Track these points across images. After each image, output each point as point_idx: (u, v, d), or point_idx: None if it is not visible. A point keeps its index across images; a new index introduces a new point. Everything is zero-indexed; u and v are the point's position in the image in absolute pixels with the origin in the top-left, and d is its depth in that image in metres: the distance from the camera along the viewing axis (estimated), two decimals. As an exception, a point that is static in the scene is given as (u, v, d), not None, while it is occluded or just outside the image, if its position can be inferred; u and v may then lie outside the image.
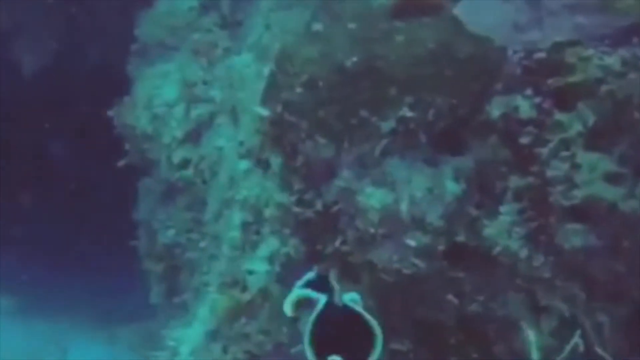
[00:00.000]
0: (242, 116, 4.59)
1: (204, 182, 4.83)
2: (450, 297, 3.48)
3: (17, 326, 7.05)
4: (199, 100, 5.03)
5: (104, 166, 6.05)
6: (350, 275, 3.64)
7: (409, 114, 3.24)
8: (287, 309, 2.76)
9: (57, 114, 6.62)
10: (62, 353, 6.60)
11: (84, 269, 7.80)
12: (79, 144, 6.90)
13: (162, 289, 5.61)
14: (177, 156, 5.00)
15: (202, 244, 4.75)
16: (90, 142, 6.58)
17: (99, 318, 7.04)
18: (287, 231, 3.63)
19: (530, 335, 2.96)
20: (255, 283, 3.80)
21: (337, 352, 2.62)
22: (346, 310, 2.70)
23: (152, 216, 5.50)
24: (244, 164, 4.45)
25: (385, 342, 3.65)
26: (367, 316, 2.71)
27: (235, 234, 4.20)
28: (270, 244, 3.70)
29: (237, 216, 4.27)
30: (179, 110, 5.07)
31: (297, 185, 3.52)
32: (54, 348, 6.64)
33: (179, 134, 4.99)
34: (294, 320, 3.02)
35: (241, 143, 4.56)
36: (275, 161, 3.56)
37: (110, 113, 5.69)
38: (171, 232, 5.28)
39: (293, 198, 3.54)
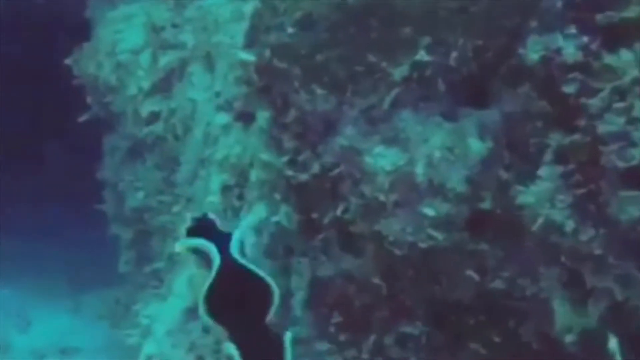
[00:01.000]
0: (219, 63, 4.01)
1: (176, 138, 4.25)
2: (470, 272, 2.95)
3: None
4: (168, 46, 4.43)
5: (63, 122, 5.46)
6: (352, 247, 3.09)
7: (425, 58, 2.66)
8: (178, 248, 2.75)
9: (7, 66, 5.97)
10: (26, 324, 6.04)
11: (45, 233, 7.21)
12: (35, 99, 6.25)
13: (132, 256, 5.04)
14: (145, 109, 4.40)
15: (176, 208, 4.19)
16: (47, 96, 5.95)
17: (63, 285, 6.46)
18: (277, 197, 3.07)
19: (613, 343, 2.41)
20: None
21: (232, 312, 2.53)
22: (240, 268, 2.60)
23: (118, 176, 4.92)
24: (222, 118, 3.87)
25: (394, 323, 3.12)
26: (261, 273, 2.60)
27: (214, 198, 3.64)
28: (257, 212, 3.14)
29: (216, 179, 3.71)
30: (145, 57, 4.47)
31: (289, 144, 2.95)
32: (16, 319, 6.07)
33: (146, 84, 4.39)
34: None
35: (218, 94, 3.98)
36: (263, 115, 2.99)
37: (68, 61, 5.09)
38: (140, 194, 4.71)
39: (284, 159, 2.97)
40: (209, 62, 4.06)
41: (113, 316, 5.85)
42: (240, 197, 3.56)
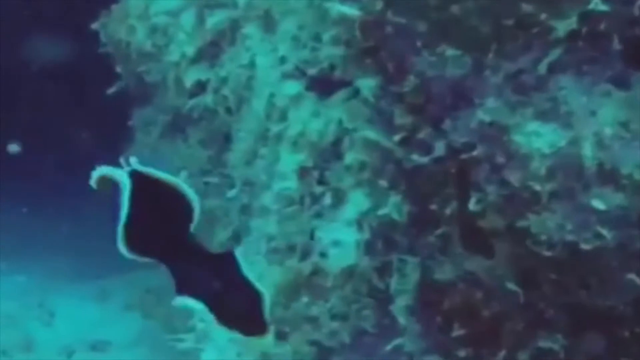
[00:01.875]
0: (284, 22, 3.36)
1: (228, 111, 3.60)
2: (631, 276, 2.34)
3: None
4: (215, 4, 3.76)
5: (89, 94, 4.80)
6: (480, 245, 2.47)
7: (601, 7, 2.03)
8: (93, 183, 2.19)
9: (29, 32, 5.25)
10: (49, 316, 5.40)
11: (64, 212, 6.57)
12: (59, 69, 5.57)
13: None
14: (189, 79, 3.76)
15: (231, 193, 3.54)
16: (72, 66, 5.27)
17: (86, 271, 5.81)
18: (383, 184, 2.43)
19: None
20: (337, 259, 2.60)
21: (153, 234, 2.16)
22: (151, 179, 2.18)
23: (155, 154, 4.29)
24: (291, 87, 3.23)
25: (530, 336, 2.52)
26: (177, 183, 2.19)
27: (290, 183, 3.00)
28: (355, 202, 2.50)
29: (289, 159, 3.07)
30: (187, 19, 3.81)
31: (403, 119, 2.31)
32: (37, 311, 5.43)
33: (190, 50, 3.74)
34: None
35: (283, 59, 3.34)
36: (366, 83, 2.34)
37: (94, 26, 4.43)
38: (182, 175, 4.07)
39: (396, 137, 2.33)
40: (268, 22, 3.42)
41: (144, 306, 5.23)
42: (322, 181, 2.93)
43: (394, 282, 2.63)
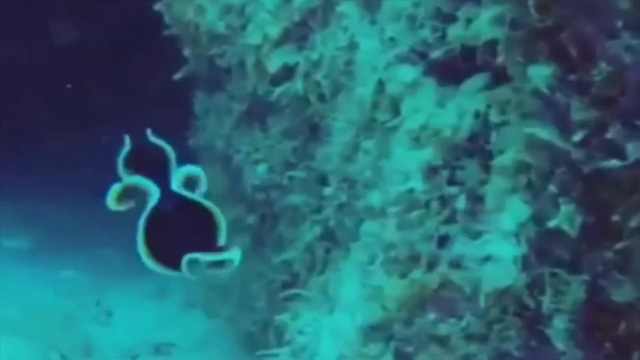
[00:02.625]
0: (389, -1, 2.91)
1: (321, 99, 3.17)
2: None
3: (38, 276, 5.40)
4: (303, -21, 3.32)
5: (152, 79, 4.38)
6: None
7: None
8: (111, 203, 2.32)
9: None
10: (106, 316, 5.00)
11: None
12: (117, 51, 5.13)
13: (246, 241, 4.00)
14: (274, 63, 3.33)
15: (328, 190, 3.10)
16: (131, 49, 4.83)
17: (141, 264, 5.39)
18: (552, 189, 2.01)
19: None
20: (491, 278, 2.18)
21: (177, 250, 2.20)
22: (183, 200, 2.28)
23: (230, 146, 3.86)
24: (407, 73, 2.80)
25: None
26: (207, 203, 2.29)
27: (414, 183, 2.57)
28: (514, 210, 2.07)
29: (410, 156, 2.64)
30: (270, -5, 3.36)
31: (584, 114, 1.89)
32: (94, 310, 5.02)
33: (274, 31, 3.31)
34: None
35: (392, 41, 2.91)
36: (537, 71, 1.91)
37: (157, 7, 4.00)
38: (262, 169, 3.65)
39: (575, 137, 1.91)
40: (369, -1, 2.99)
41: (208, 304, 4.82)
42: (453, 181, 2.51)
43: (547, 300, 2.22)
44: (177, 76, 3.85)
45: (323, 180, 3.32)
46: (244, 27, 3.47)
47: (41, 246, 5.84)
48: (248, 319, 4.09)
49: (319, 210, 3.39)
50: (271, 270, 3.76)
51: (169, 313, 4.88)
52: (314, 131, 3.32)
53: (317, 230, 3.33)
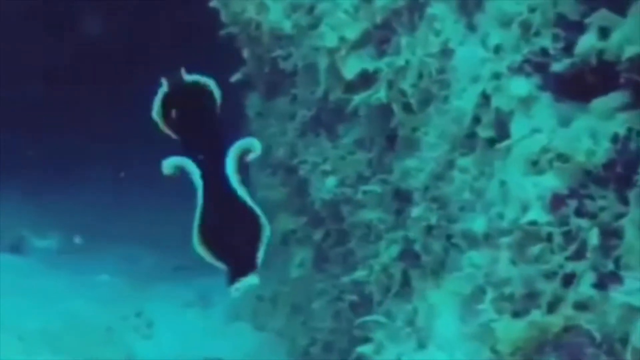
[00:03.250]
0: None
1: (407, 109, 2.83)
2: None
3: (73, 281, 5.07)
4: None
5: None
6: None
7: None
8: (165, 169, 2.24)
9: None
10: (147, 326, 4.68)
11: (157, 202, 5.83)
12: (168, 50, 4.76)
13: (309, 256, 3.68)
14: (351, 68, 2.99)
15: (416, 211, 2.76)
16: (183, 49, 4.47)
17: (182, 272, 5.08)
18: None
19: None
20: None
21: (226, 249, 2.20)
22: (228, 195, 2.20)
23: (292, 154, 3.53)
24: (519, 86, 2.46)
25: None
26: (251, 204, 2.20)
27: (535, 213, 2.21)
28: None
29: (530, 181, 2.29)
30: (346, -6, 3.01)
31: None
32: (135, 321, 4.70)
33: (352, 33, 2.96)
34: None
35: (497, 50, 2.57)
36: None
37: (213, 4, 3.66)
38: (331, 181, 3.32)
39: None
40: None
41: (256, 315, 4.50)
42: (582, 213, 2.18)
43: None
44: (234, 78, 3.52)
45: (401, 196, 3.00)
46: (313, 27, 3.14)
47: (71, 246, 5.54)
48: (305, 336, 3.78)
49: (395, 228, 3.08)
50: (337, 288, 3.45)
51: (214, 324, 4.55)
52: (392, 142, 3.00)
53: (395, 250, 3.01)
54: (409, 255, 2.97)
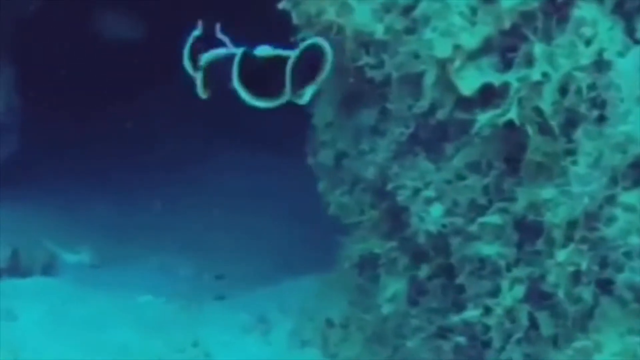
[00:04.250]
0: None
1: (546, 131, 2.31)
2: None
3: (111, 303, 4.57)
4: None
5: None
6: None
7: None
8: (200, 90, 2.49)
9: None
10: (205, 357, 4.17)
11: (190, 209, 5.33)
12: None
13: (402, 289, 3.16)
14: (470, 83, 2.47)
15: (562, 255, 2.26)
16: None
17: (238, 293, 4.57)
18: None
19: None
20: None
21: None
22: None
23: (384, 176, 3.01)
24: None
25: None
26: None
27: None
28: None
29: None
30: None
31: None
32: (191, 351, 4.20)
33: (472, 40, 2.43)
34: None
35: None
36: None
37: (282, 5, 3.12)
38: (436, 210, 2.80)
39: None
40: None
41: (326, 343, 3.99)
42: None
43: None
44: (306, 95, 3.01)
45: (526, 229, 2.52)
46: (411, 31, 2.64)
47: (105, 260, 5.04)
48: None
49: (517, 264, 2.59)
50: (436, 325, 2.97)
51: (278, 352, 4.07)
52: (513, 166, 2.51)
53: (520, 290, 2.53)
54: (536, 296, 2.49)
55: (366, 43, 2.75)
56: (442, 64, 2.42)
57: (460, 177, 2.61)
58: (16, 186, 5.21)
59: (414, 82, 2.63)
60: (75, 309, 4.22)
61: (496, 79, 2.31)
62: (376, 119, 2.87)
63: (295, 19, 2.94)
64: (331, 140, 3.22)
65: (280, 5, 2.97)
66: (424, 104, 2.57)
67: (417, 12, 2.56)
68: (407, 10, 2.61)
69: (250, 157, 5.84)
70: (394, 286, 3.04)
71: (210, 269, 4.90)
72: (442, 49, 2.40)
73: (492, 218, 2.54)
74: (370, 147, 2.87)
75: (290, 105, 2.93)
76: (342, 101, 3.04)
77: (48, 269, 4.77)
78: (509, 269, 2.56)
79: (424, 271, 2.75)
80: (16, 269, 4.62)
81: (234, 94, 2.93)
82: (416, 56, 2.58)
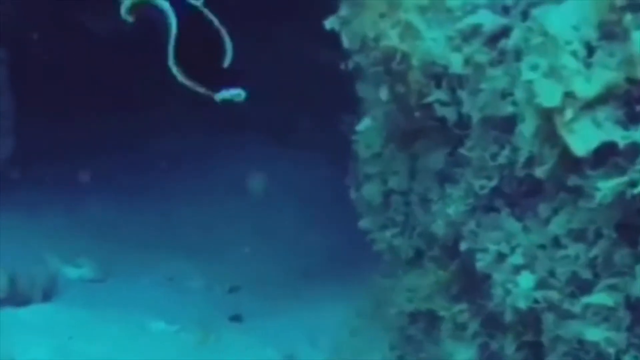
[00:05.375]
0: None
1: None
2: None
3: (121, 331, 4.04)
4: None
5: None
6: None
7: None
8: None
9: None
10: None
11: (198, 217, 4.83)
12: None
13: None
14: (584, 138, 1.92)
15: None
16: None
17: (265, 316, 4.03)
18: None
19: None
20: None
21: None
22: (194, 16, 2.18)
23: (455, 233, 2.46)
24: None
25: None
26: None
27: None
28: None
29: None
30: (570, 10, 1.88)
31: None
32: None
33: (587, 88, 1.88)
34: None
35: None
36: None
37: (329, 24, 2.53)
38: (526, 280, 2.25)
39: None
40: None
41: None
42: None
43: None
44: (361, 126, 2.47)
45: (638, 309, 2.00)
46: (496, 64, 2.11)
47: (109, 273, 4.52)
48: None
49: (626, 350, 2.08)
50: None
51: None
52: (628, 236, 1.99)
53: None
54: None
55: (437, 75, 2.21)
56: (547, 114, 1.88)
57: (558, 245, 2.08)
58: (11, 193, 4.70)
59: (501, 126, 2.10)
60: (81, 346, 3.72)
61: (621, 137, 1.78)
62: (445, 162, 2.34)
63: (346, 42, 2.40)
64: (379, 175, 2.69)
65: (328, 25, 2.43)
66: (516, 158, 2.04)
67: (506, 43, 2.02)
68: (494, 39, 2.07)
69: (269, 152, 5.28)
70: (462, 354, 2.53)
71: (222, 279, 4.41)
72: (549, 96, 1.86)
73: (600, 297, 2.02)
74: (438, 196, 2.34)
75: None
76: (401, 136, 2.50)
77: (49, 292, 4.26)
78: (618, 357, 2.05)
79: (500, 341, 2.23)
80: (15, 296, 4.10)
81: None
82: (504, 96, 2.04)
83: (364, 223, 2.78)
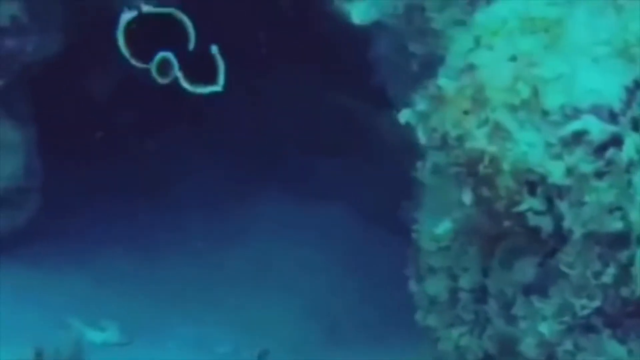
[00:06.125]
0: None
1: None
2: None
3: None
4: None
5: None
6: None
7: None
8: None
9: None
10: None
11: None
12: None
13: None
14: None
15: None
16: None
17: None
18: None
19: None
20: None
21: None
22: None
23: (549, 350, 2.23)
24: None
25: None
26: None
27: None
28: None
29: None
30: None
31: None
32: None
33: None
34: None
35: None
36: None
37: (406, 118, 2.27)
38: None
39: None
40: None
41: None
42: None
43: None
44: (440, 229, 2.25)
45: None
46: (602, 176, 1.88)
47: (135, 335, 4.28)
48: None
49: None
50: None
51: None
52: None
53: None
54: None
55: (531, 182, 1.98)
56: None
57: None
58: (35, 254, 4.49)
59: (607, 244, 1.88)
60: None
61: None
62: (535, 275, 2.10)
63: (423, 139, 2.17)
64: (445, 270, 2.46)
65: (402, 118, 2.20)
66: (623, 277, 1.81)
67: (614, 153, 1.79)
68: (601, 148, 1.84)
69: (301, 205, 5.02)
70: None
71: (251, 344, 4.17)
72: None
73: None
74: (527, 312, 2.11)
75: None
76: (484, 240, 2.27)
77: (75, 362, 4.02)
78: None
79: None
80: (42, 376, 3.86)
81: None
82: (611, 211, 1.82)
83: (426, 320, 2.55)
